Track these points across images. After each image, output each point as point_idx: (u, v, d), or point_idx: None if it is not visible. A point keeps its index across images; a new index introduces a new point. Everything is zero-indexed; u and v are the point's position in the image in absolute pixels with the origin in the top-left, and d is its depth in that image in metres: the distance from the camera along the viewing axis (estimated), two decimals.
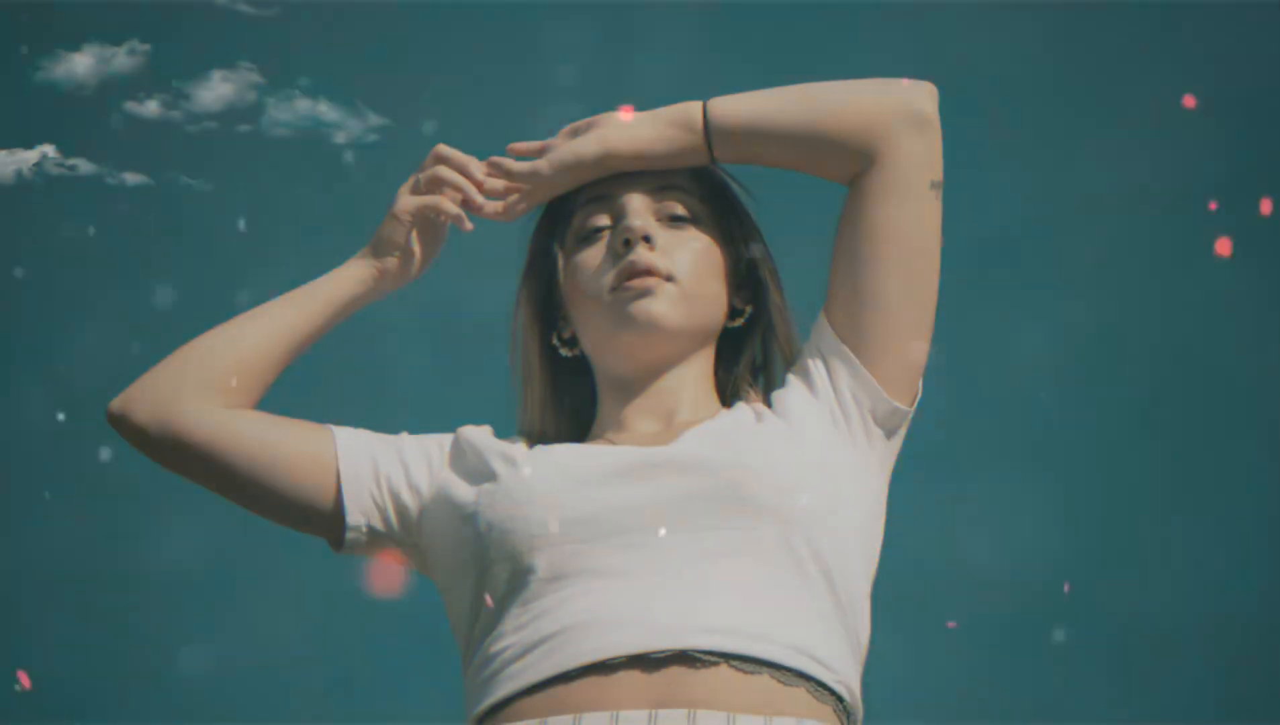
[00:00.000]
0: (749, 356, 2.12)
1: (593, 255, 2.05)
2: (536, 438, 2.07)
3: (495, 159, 2.09)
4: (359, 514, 2.00)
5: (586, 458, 1.95)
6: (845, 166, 2.01)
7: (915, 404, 2.02)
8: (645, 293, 2.01)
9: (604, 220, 2.06)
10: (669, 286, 2.01)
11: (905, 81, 2.03)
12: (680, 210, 2.06)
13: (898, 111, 2.00)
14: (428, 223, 2.08)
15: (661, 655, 1.81)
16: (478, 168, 2.08)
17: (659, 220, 2.06)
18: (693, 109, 2.03)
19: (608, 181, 2.06)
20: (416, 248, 2.08)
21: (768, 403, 2.03)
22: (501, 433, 2.05)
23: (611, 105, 2.07)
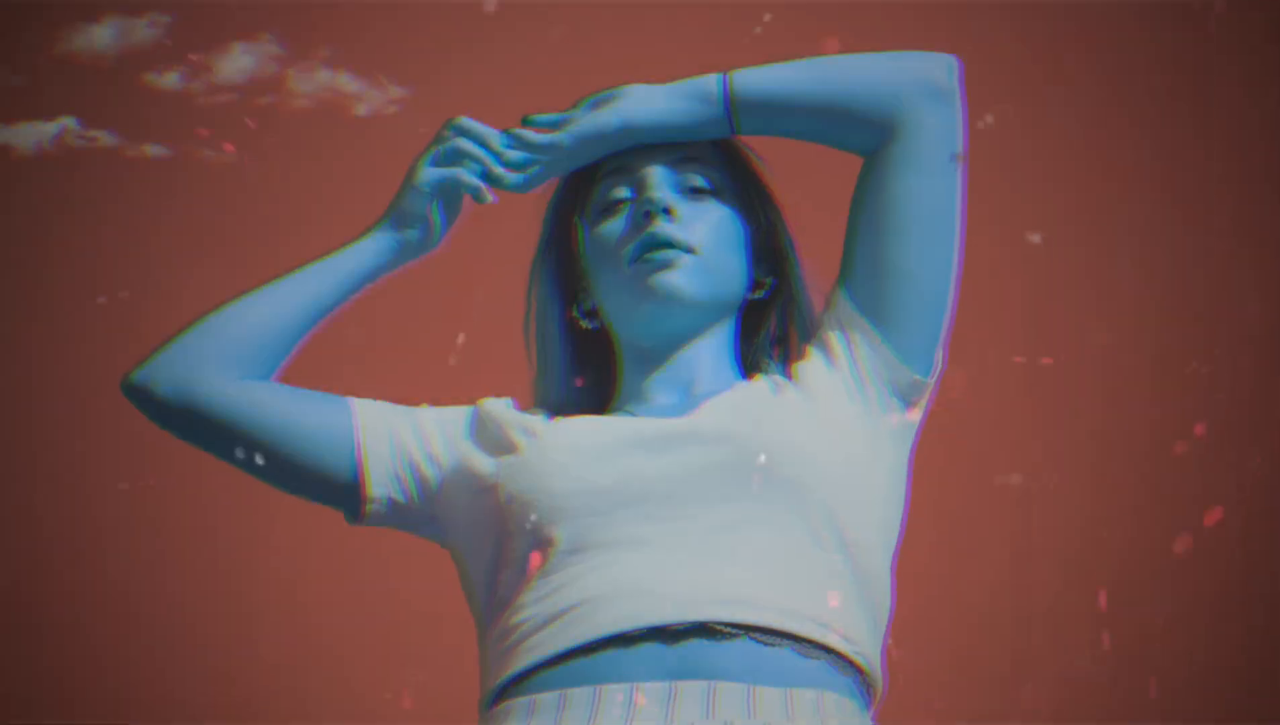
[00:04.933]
0: (769, 328, 2.12)
1: (613, 227, 2.05)
2: (556, 410, 2.07)
3: (515, 130, 2.08)
4: (378, 486, 2.00)
5: (607, 429, 1.95)
6: (866, 138, 2.01)
7: (935, 376, 2.01)
8: (666, 265, 2.00)
9: (624, 192, 2.06)
10: (690, 258, 2.01)
11: (926, 53, 2.02)
12: (701, 182, 2.06)
13: (919, 83, 2.00)
14: (447, 194, 2.07)
15: (682, 627, 1.81)
16: (497, 139, 2.08)
17: (680, 192, 2.05)
18: (713, 81, 2.03)
19: (628, 153, 2.06)
20: (435, 219, 2.07)
21: (787, 375, 2.03)
22: (521, 405, 2.05)
23: (634, 78, 2.07)
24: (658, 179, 2.04)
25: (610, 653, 1.81)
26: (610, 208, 2.06)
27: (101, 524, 3.73)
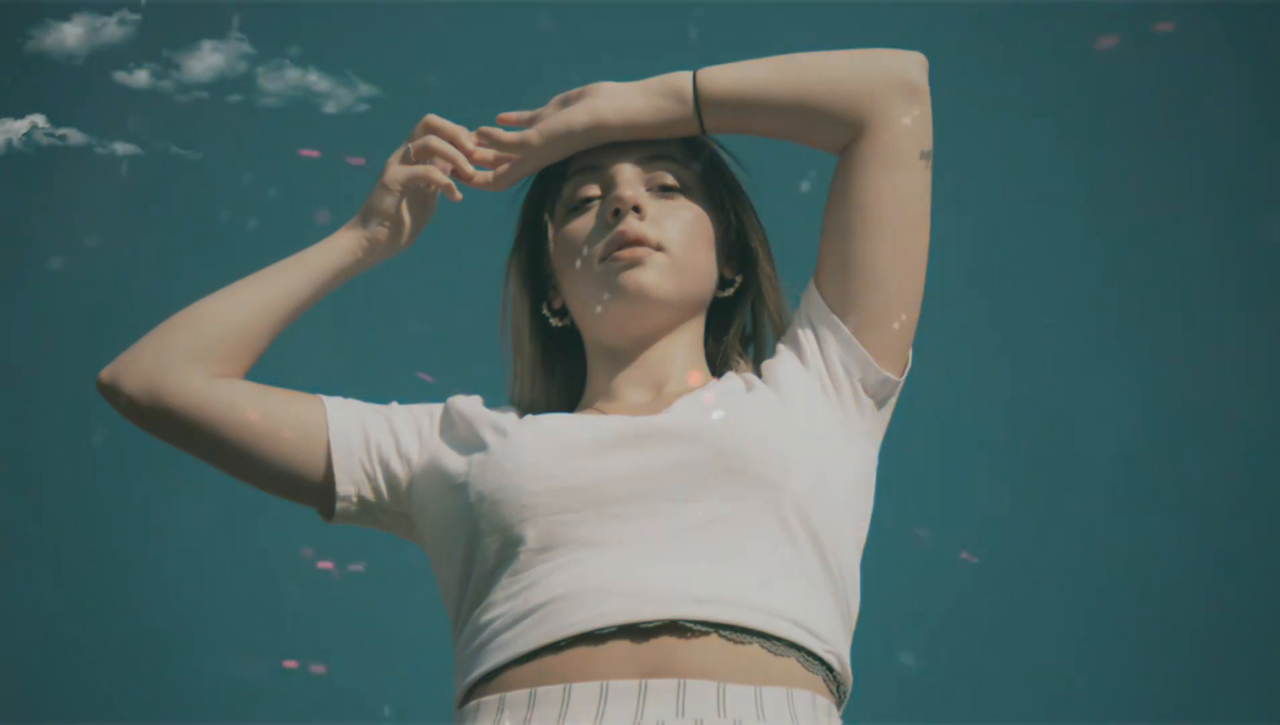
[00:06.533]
0: (739, 326, 2.12)
1: (583, 225, 2.05)
2: (527, 408, 2.07)
3: (485, 129, 2.08)
4: (349, 484, 2.00)
5: (577, 427, 1.95)
6: (835, 136, 2.01)
7: (905, 374, 2.02)
8: (635, 263, 2.00)
9: (594, 190, 2.06)
10: (659, 256, 2.01)
11: (895, 51, 2.03)
12: (670, 180, 2.06)
13: (888, 80, 2.00)
14: (417, 192, 2.08)
15: (651, 625, 1.81)
16: (468, 137, 2.08)
17: (649, 190, 2.05)
18: (682, 79, 2.03)
19: (598, 151, 2.06)
20: (406, 217, 2.08)
21: (758, 372, 2.03)
22: (492, 403, 2.05)
23: (604, 75, 2.07)
24: (626, 177, 2.04)
25: (580, 650, 1.81)
26: (579, 206, 2.06)
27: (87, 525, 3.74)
